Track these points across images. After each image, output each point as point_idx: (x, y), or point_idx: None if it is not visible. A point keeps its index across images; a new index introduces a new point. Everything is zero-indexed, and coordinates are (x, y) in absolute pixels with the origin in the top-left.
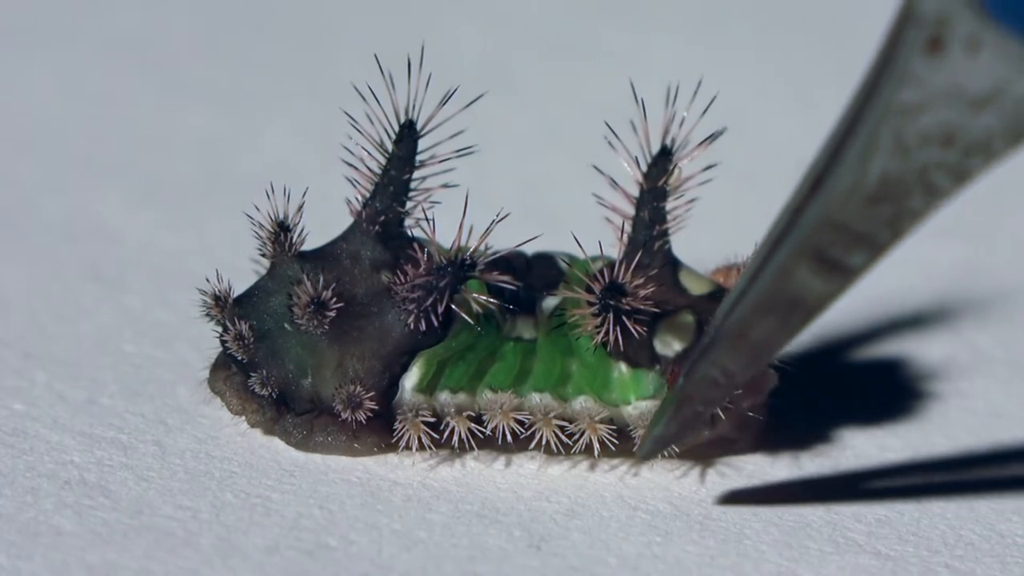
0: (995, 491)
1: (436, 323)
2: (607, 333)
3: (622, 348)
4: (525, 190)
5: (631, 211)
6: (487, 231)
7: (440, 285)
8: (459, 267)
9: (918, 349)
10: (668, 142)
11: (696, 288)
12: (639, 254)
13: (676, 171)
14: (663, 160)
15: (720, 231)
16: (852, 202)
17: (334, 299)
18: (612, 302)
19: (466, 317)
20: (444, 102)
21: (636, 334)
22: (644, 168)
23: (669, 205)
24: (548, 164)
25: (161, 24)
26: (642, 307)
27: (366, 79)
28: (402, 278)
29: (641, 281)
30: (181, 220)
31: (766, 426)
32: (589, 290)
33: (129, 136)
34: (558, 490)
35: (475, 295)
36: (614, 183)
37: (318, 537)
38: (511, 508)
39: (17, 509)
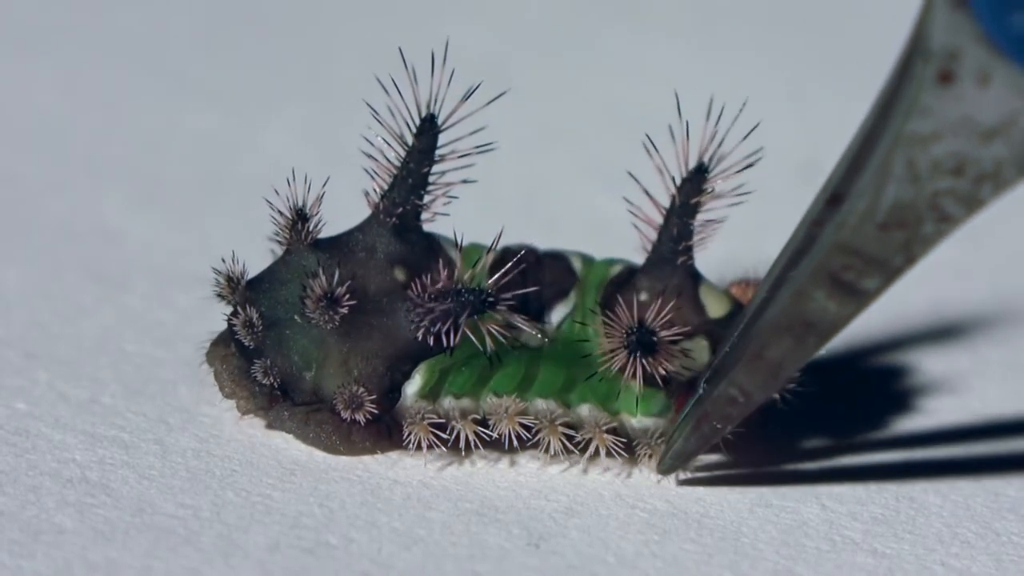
0: (991, 489)
1: (446, 343)
2: (629, 368)
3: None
4: (525, 190)
5: (654, 219)
6: (489, 249)
7: (457, 312)
8: (480, 301)
9: (914, 348)
10: (706, 160)
11: (714, 309)
12: (668, 306)
13: (710, 190)
14: (698, 178)
15: (718, 232)
16: (866, 227)
17: (347, 295)
18: (640, 357)
19: (476, 343)
20: (466, 98)
21: (657, 378)
22: (677, 182)
23: (697, 221)
24: (548, 164)
25: (161, 24)
26: (669, 365)
27: (368, 81)
28: (419, 288)
29: (670, 328)
30: (182, 220)
31: (762, 427)
32: (607, 313)
33: (130, 136)
34: (557, 488)
35: (491, 326)
36: (648, 194)
37: (318, 535)
38: (510, 507)
39: (19, 507)
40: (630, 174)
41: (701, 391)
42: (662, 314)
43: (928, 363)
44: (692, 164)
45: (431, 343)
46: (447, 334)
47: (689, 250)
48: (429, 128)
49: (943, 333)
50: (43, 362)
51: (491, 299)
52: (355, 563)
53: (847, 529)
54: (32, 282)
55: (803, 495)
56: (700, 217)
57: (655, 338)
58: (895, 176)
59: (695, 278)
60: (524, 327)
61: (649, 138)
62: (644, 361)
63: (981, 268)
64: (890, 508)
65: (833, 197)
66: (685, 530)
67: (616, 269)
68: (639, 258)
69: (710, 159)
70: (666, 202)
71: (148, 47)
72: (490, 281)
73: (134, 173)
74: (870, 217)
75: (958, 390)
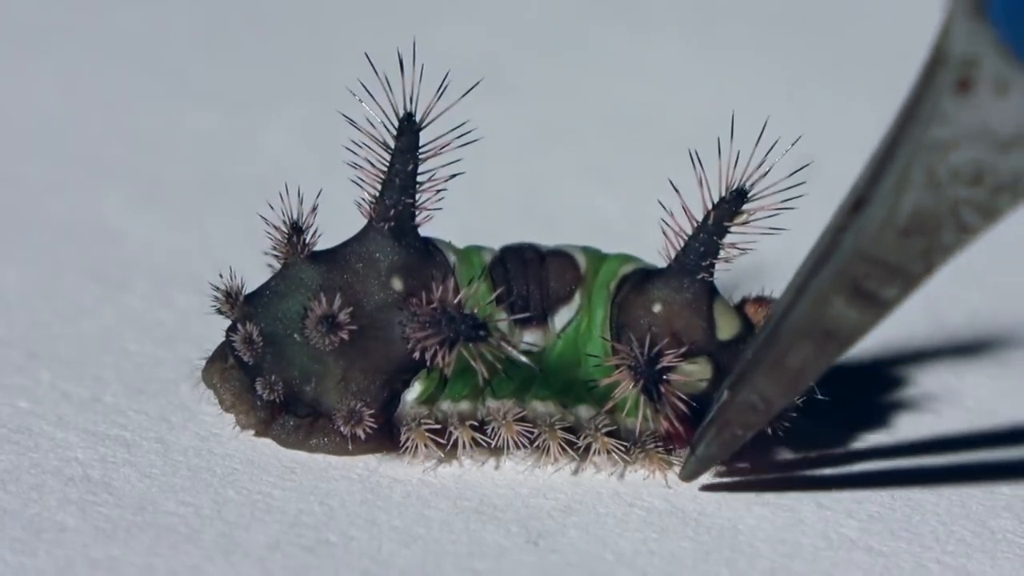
0: (986, 488)
1: (441, 367)
2: (631, 403)
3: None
4: (525, 189)
5: (684, 228)
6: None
7: (451, 340)
8: (471, 329)
9: (908, 347)
10: (747, 185)
11: (724, 330)
12: (680, 349)
13: (745, 215)
14: (738, 201)
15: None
16: (886, 235)
17: (348, 321)
18: (651, 396)
19: (472, 363)
20: (440, 93)
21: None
22: (715, 200)
23: (726, 241)
24: (548, 164)
25: (161, 24)
26: (677, 404)
27: (367, 79)
28: (414, 308)
29: (679, 368)
30: (182, 220)
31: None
32: (617, 336)
33: (130, 137)
34: (555, 487)
35: (484, 352)
36: (687, 210)
37: (318, 533)
38: (508, 505)
39: (22, 505)
40: (670, 181)
41: (724, 397)
42: (674, 357)
43: (920, 361)
44: (734, 184)
45: (428, 362)
46: (441, 358)
47: (712, 267)
48: (408, 127)
49: (938, 332)
50: (45, 361)
51: (484, 331)
52: (355, 561)
53: (843, 527)
54: (33, 282)
55: (800, 493)
56: (729, 238)
57: (663, 387)
58: (915, 183)
59: (711, 293)
60: (517, 357)
61: (698, 157)
62: (657, 404)
63: (975, 264)
64: (886, 506)
65: (857, 203)
66: (683, 528)
67: (628, 268)
68: (642, 253)
69: (752, 185)
70: (699, 214)
71: (148, 47)
72: (487, 302)
73: (134, 173)
74: (891, 224)
75: (953, 388)
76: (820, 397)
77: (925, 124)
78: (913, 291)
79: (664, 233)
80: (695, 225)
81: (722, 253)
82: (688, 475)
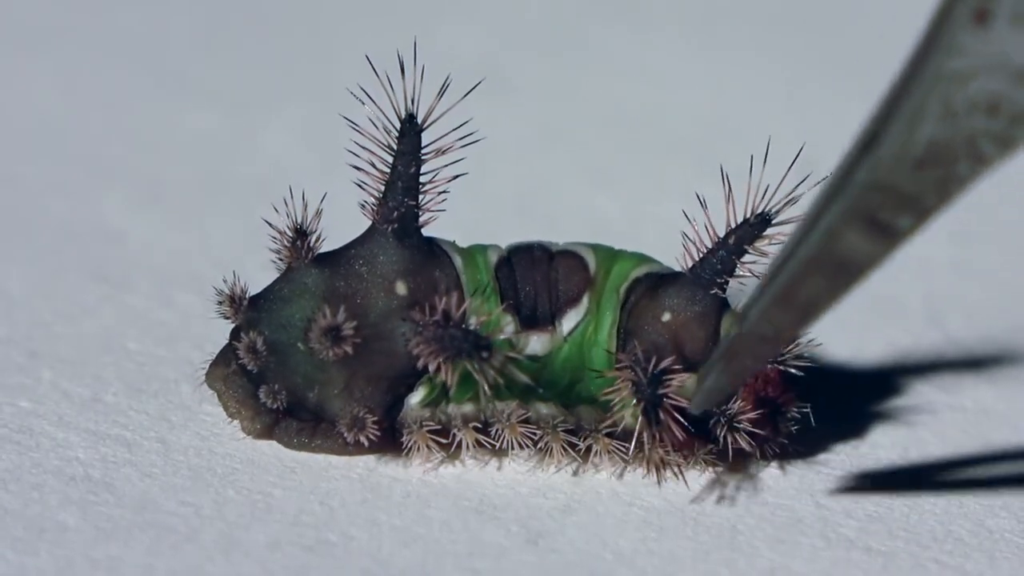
0: (984, 488)
1: (445, 378)
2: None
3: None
4: (525, 190)
5: (703, 238)
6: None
7: (451, 355)
8: (474, 348)
9: (907, 347)
10: (773, 211)
11: None
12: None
13: (766, 241)
14: (761, 226)
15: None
16: (901, 165)
17: (353, 334)
18: (650, 419)
19: (476, 376)
20: (442, 93)
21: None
22: (737, 220)
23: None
24: (548, 164)
25: (161, 24)
26: (674, 428)
27: (367, 80)
28: (418, 317)
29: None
30: (183, 220)
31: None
32: (624, 347)
33: (131, 137)
34: (554, 486)
35: (488, 370)
36: (709, 224)
37: (319, 533)
38: (508, 504)
39: (23, 505)
40: (697, 195)
41: (733, 332)
42: (677, 381)
43: (919, 362)
44: (760, 208)
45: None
46: (444, 373)
47: (726, 283)
48: (410, 128)
49: (936, 332)
50: (46, 361)
51: (487, 352)
52: (355, 560)
53: (842, 527)
54: (34, 282)
55: (798, 493)
56: (746, 258)
57: (662, 413)
58: (931, 115)
59: (721, 309)
60: (518, 376)
61: (725, 175)
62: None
63: (975, 265)
64: (884, 506)
65: (869, 140)
66: (682, 527)
67: (640, 271)
68: (647, 252)
69: (776, 212)
70: (717, 226)
71: (148, 47)
72: (493, 315)
73: (134, 173)
74: (905, 155)
75: (950, 389)
76: (812, 422)
77: (942, 56)
78: (927, 222)
79: (683, 245)
80: (715, 240)
81: (739, 269)
82: (696, 406)
